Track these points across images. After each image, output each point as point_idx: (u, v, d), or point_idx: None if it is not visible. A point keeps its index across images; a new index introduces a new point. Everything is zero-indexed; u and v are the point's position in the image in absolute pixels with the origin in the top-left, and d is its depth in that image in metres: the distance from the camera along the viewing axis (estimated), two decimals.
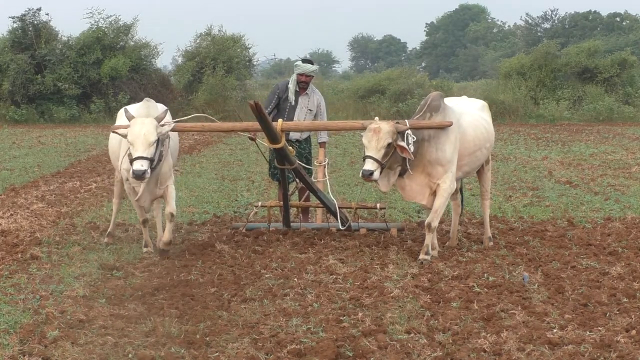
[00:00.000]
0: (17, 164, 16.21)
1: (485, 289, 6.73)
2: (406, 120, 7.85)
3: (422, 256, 7.80)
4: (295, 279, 7.07)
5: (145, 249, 8.23)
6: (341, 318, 5.98)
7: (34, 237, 8.80)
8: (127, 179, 8.02)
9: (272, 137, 8.01)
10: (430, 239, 7.89)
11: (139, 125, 7.60)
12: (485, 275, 7.20)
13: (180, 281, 7.06)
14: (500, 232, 9.16)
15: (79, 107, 30.86)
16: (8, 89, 30.26)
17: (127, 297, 6.56)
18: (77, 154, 18.55)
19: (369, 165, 7.62)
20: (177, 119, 8.46)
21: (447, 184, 7.88)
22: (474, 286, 6.81)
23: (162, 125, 7.75)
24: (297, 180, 9.04)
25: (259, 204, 9.38)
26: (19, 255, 7.94)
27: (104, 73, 30.84)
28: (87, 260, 7.82)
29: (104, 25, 32.19)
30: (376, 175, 7.61)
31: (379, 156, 7.62)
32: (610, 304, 6.30)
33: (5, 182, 13.27)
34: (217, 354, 5.29)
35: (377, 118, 8.09)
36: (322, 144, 9.66)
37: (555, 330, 5.67)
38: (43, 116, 30.61)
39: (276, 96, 9.49)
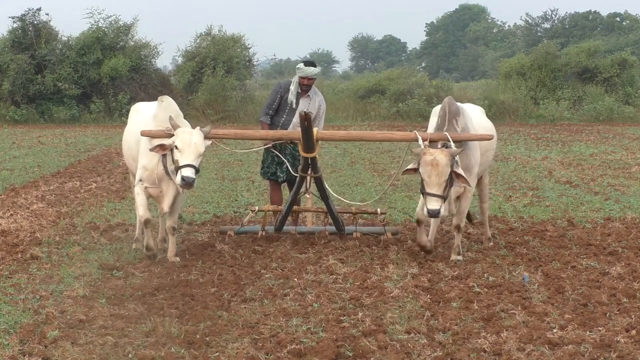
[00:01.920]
0: (17, 164, 16.21)
1: (485, 289, 6.73)
2: (447, 134, 7.58)
3: (454, 257, 7.82)
4: (295, 279, 7.07)
5: (148, 252, 7.77)
6: (341, 318, 5.98)
7: (34, 237, 8.80)
8: (141, 180, 7.77)
9: (309, 146, 7.94)
10: (460, 239, 7.94)
11: (189, 135, 7.48)
12: (485, 275, 7.20)
13: (180, 281, 7.06)
14: (500, 232, 9.16)
15: (79, 107, 30.86)
16: (8, 89, 30.23)
17: (127, 297, 6.56)
18: (77, 154, 18.55)
19: (435, 204, 7.31)
20: None
21: (472, 185, 7.87)
22: (474, 286, 6.81)
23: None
24: (307, 187, 8.78)
25: (256, 208, 9.14)
26: (19, 255, 7.94)
27: (104, 73, 30.82)
28: (87, 260, 7.81)
29: (104, 25, 32.17)
30: (442, 211, 7.37)
31: (441, 191, 7.34)
32: (610, 304, 6.30)
33: (5, 182, 13.27)
34: (217, 354, 5.29)
35: (416, 132, 7.84)
36: None
37: (555, 330, 5.67)
38: (43, 116, 30.60)
39: (278, 96, 9.26)
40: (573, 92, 31.73)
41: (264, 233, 8.81)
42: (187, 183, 7.33)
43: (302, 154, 8.08)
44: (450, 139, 7.55)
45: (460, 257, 7.82)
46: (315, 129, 8.07)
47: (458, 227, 7.94)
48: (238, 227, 8.97)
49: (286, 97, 9.23)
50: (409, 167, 7.67)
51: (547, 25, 62.49)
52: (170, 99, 7.98)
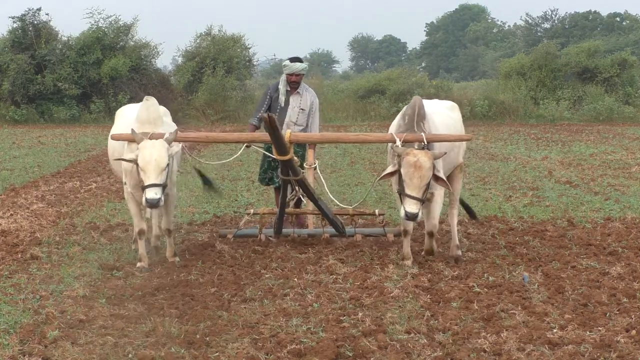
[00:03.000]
0: (17, 164, 16.22)
1: (485, 289, 6.73)
2: (423, 135, 7.29)
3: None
4: (295, 279, 7.07)
5: (139, 264, 7.55)
6: (341, 318, 5.98)
7: (34, 237, 8.81)
8: (126, 183, 7.67)
9: (281, 149, 7.65)
10: (432, 243, 7.81)
11: (149, 149, 7.21)
12: (485, 275, 7.20)
13: (180, 281, 7.06)
14: (500, 232, 9.16)
15: (79, 107, 30.87)
16: (8, 89, 30.26)
17: (127, 297, 6.56)
18: (77, 154, 18.56)
19: (413, 206, 7.07)
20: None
21: (439, 190, 7.59)
22: (474, 286, 6.81)
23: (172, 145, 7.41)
24: (297, 189, 8.46)
25: (251, 211, 8.92)
26: (19, 255, 7.94)
27: (104, 73, 30.84)
28: (87, 260, 7.82)
29: (104, 25, 32.20)
30: (420, 215, 7.14)
31: (420, 194, 7.10)
32: (610, 304, 6.30)
33: (5, 182, 13.27)
34: (217, 354, 5.30)
35: (393, 134, 7.46)
36: (311, 146, 9.07)
37: (555, 330, 5.67)
38: (43, 116, 30.62)
39: (268, 97, 9.17)
40: (573, 92, 31.74)
41: (263, 237, 8.65)
42: (150, 205, 7.17)
43: (277, 157, 7.78)
44: (426, 140, 7.26)
45: (431, 257, 7.73)
46: (288, 132, 7.88)
47: (431, 233, 7.74)
48: (236, 231, 8.78)
49: (276, 97, 9.14)
50: (387, 171, 7.43)
51: (547, 25, 62.53)
52: (154, 100, 7.74)
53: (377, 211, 8.90)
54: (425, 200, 7.21)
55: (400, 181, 7.23)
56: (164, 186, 7.23)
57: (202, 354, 5.29)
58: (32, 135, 24.13)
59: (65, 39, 32.20)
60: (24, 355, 5.25)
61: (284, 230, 8.73)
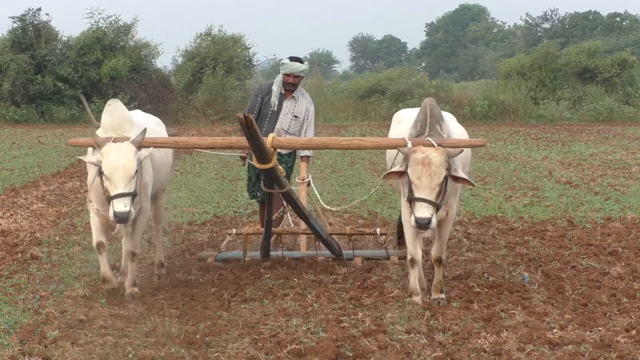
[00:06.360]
0: (17, 164, 16.21)
1: (485, 289, 6.73)
2: (430, 139, 6.17)
3: (436, 295, 6.48)
4: (295, 279, 7.07)
5: (105, 286, 6.53)
6: (341, 318, 5.98)
7: (34, 237, 8.81)
8: (91, 200, 6.61)
9: (262, 156, 6.49)
10: (441, 274, 6.59)
11: (115, 154, 6.14)
12: (485, 275, 7.20)
13: (180, 281, 7.06)
14: (500, 232, 9.15)
15: (79, 107, 30.86)
16: (8, 89, 30.23)
17: (127, 297, 6.56)
18: (77, 154, 18.54)
19: (425, 211, 5.92)
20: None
21: (454, 210, 6.67)
22: (474, 286, 6.80)
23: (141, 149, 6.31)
24: (284, 204, 7.69)
25: (234, 231, 8.00)
26: (19, 255, 7.94)
27: (104, 73, 30.83)
28: (87, 260, 7.82)
29: (104, 25, 32.20)
30: (434, 222, 5.98)
31: (433, 197, 5.96)
32: (610, 304, 6.30)
33: (5, 182, 13.27)
34: (217, 354, 5.30)
35: (407, 139, 6.26)
36: (304, 158, 8.22)
37: (555, 330, 5.67)
38: (43, 116, 30.61)
39: (259, 99, 8.19)
40: (573, 92, 31.74)
41: (248, 259, 7.75)
42: (120, 219, 6.11)
43: (257, 165, 6.64)
44: (436, 145, 6.12)
45: (443, 296, 6.47)
46: (271, 135, 6.62)
47: (439, 260, 6.59)
48: (217, 254, 7.83)
49: (267, 100, 8.17)
50: (393, 169, 6.33)
51: (547, 25, 62.60)
52: (118, 103, 6.63)
53: (378, 230, 8.04)
54: (439, 206, 6.10)
55: (409, 185, 6.10)
56: (133, 196, 6.17)
57: (202, 354, 5.30)
58: (32, 135, 24.12)
59: (65, 39, 32.21)
60: (24, 355, 5.25)
61: (272, 253, 7.83)
